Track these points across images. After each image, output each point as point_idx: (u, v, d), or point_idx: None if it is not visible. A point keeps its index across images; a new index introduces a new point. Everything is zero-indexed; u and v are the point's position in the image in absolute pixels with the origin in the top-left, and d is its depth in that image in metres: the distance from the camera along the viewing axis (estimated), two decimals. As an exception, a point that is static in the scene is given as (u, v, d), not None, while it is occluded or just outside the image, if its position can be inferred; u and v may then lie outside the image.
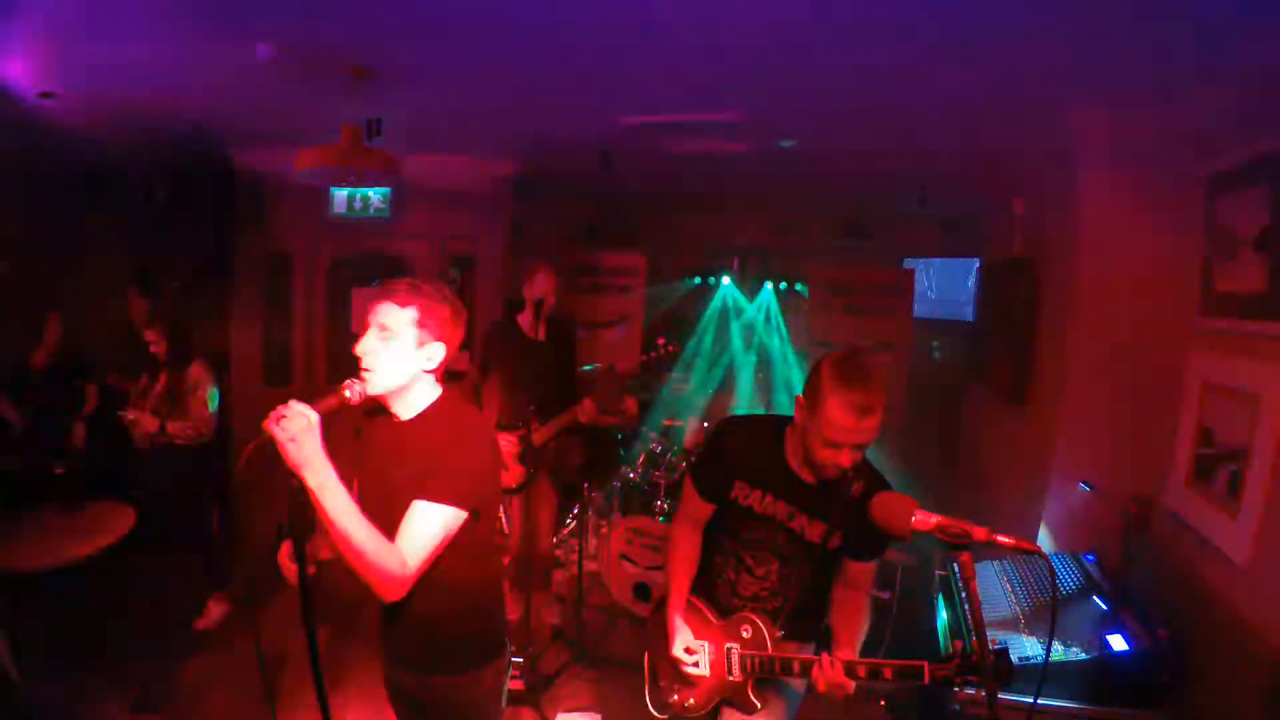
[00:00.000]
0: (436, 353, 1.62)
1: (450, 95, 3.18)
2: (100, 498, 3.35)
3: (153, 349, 3.50)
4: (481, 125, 3.77)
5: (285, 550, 1.56)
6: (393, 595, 1.49)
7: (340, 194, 4.81)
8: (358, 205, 4.84)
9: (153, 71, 2.85)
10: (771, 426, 1.87)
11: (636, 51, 2.53)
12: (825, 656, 1.69)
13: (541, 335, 3.45)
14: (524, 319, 3.47)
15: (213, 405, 3.52)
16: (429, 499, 1.51)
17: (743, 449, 1.91)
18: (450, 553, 1.57)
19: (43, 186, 4.30)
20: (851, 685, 1.64)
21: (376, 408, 1.66)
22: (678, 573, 1.98)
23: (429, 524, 1.51)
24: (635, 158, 4.11)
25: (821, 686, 1.67)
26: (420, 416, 1.64)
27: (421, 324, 1.59)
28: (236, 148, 4.53)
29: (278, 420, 1.36)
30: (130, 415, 3.41)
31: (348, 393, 1.50)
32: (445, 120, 3.68)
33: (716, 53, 2.48)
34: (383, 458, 1.65)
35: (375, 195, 4.81)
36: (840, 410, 1.62)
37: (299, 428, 1.36)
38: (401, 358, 1.58)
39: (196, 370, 3.50)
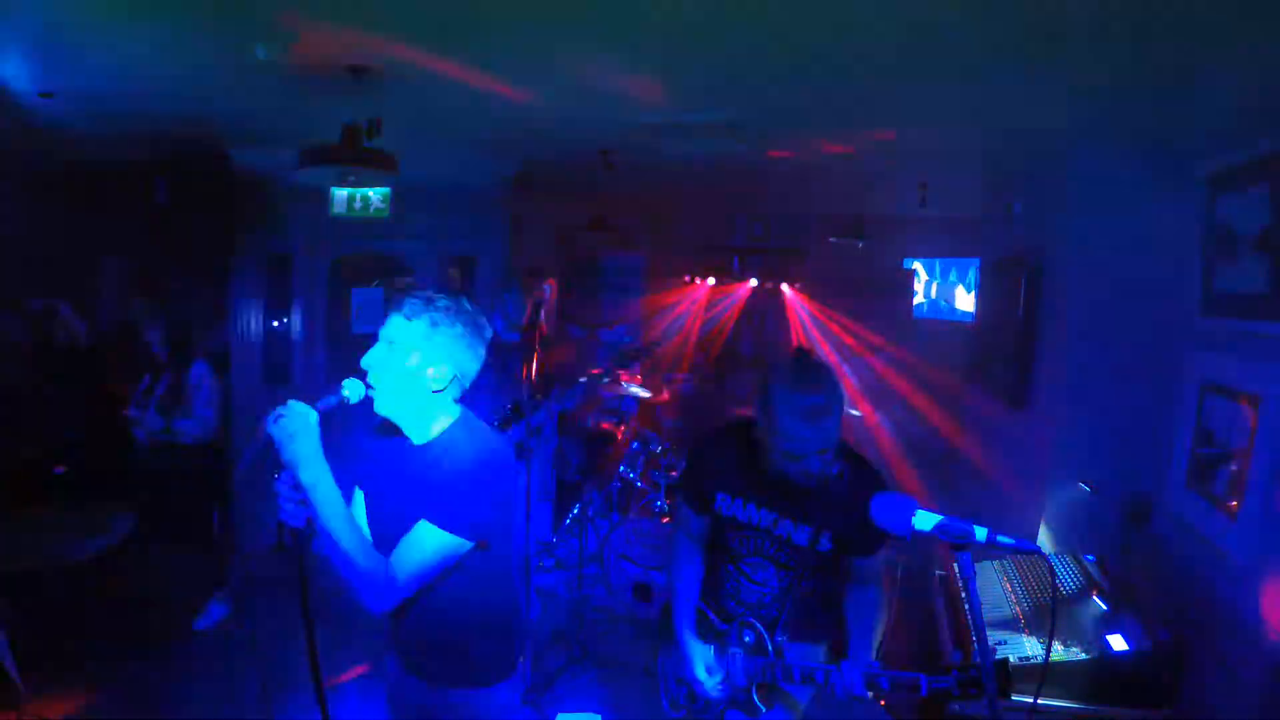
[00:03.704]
0: (443, 374, 1.52)
1: (450, 95, 3.18)
2: (100, 498, 3.36)
3: (155, 349, 3.51)
4: (481, 125, 3.77)
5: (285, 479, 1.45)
6: (377, 605, 1.46)
7: (340, 194, 4.80)
8: (358, 205, 4.83)
9: (153, 71, 2.85)
10: (747, 433, 1.80)
11: (636, 51, 2.53)
12: (845, 665, 1.65)
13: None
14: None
15: (215, 405, 3.52)
16: (434, 523, 1.46)
17: (719, 460, 1.88)
18: (463, 574, 1.54)
19: (43, 187, 4.30)
20: (869, 695, 1.61)
21: (390, 426, 1.59)
22: (682, 593, 1.95)
23: (427, 546, 1.46)
24: (635, 158, 4.11)
25: (841, 692, 1.64)
26: (436, 441, 1.57)
27: (427, 340, 1.51)
28: (236, 148, 4.53)
29: (276, 419, 1.38)
30: (133, 415, 3.42)
31: (346, 392, 1.48)
32: (445, 120, 3.68)
33: (716, 53, 2.48)
34: (395, 480, 1.59)
35: (375, 195, 4.80)
36: (792, 419, 1.56)
37: (296, 426, 1.38)
38: (405, 375, 1.50)
39: (199, 370, 3.51)
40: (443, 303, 1.54)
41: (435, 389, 1.53)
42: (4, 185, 3.93)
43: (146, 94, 3.18)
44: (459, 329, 1.54)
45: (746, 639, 1.87)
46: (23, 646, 2.81)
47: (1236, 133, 2.32)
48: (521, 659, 1.81)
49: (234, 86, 3.04)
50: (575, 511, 4.80)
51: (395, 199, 4.82)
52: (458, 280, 5.06)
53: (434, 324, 1.51)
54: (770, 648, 1.83)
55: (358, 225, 4.90)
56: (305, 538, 1.45)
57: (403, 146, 3.26)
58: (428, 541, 1.46)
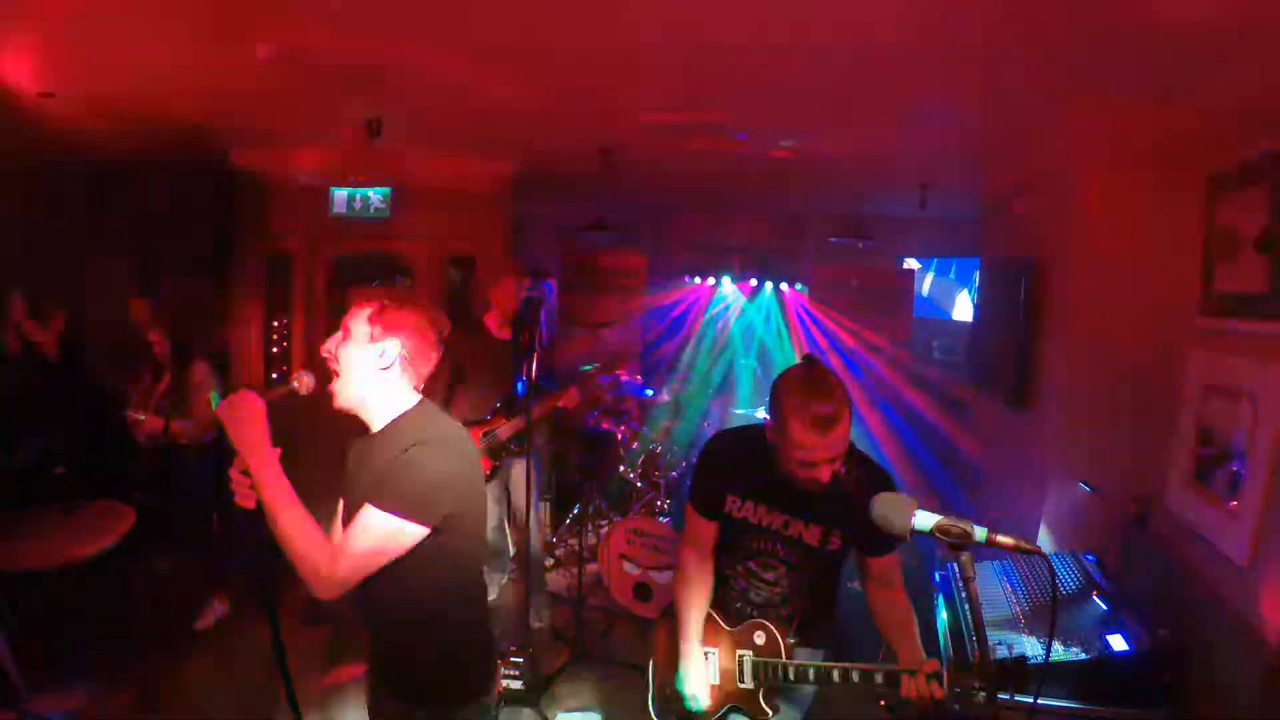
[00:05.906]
0: (390, 349, 1.54)
1: (450, 95, 3.18)
2: (100, 498, 3.35)
3: (155, 349, 3.50)
4: (481, 125, 3.78)
5: (238, 465, 1.49)
6: (322, 592, 1.44)
7: (340, 194, 4.80)
8: (358, 205, 4.83)
9: (153, 71, 2.85)
10: (758, 436, 1.81)
11: (635, 52, 2.53)
12: (921, 675, 1.59)
13: (507, 334, 3.67)
14: (490, 320, 3.67)
15: (215, 405, 3.52)
16: (376, 505, 1.44)
17: (730, 462, 1.89)
18: (423, 571, 1.50)
19: (43, 187, 4.30)
20: (942, 692, 1.56)
21: (359, 424, 1.60)
22: (689, 605, 1.91)
23: (369, 530, 1.44)
24: (635, 158, 4.11)
25: (913, 695, 1.59)
26: (389, 426, 1.57)
27: (373, 320, 1.55)
28: (236, 148, 4.52)
29: (228, 406, 1.47)
30: (134, 415, 3.41)
31: (295, 383, 1.56)
32: (445, 120, 3.68)
33: (715, 54, 2.48)
34: (355, 471, 1.60)
35: (375, 195, 4.80)
36: (803, 430, 1.58)
37: (244, 413, 1.47)
38: (355, 355, 1.54)
39: (198, 370, 3.50)
40: (402, 298, 1.60)
41: (382, 366, 1.55)
42: (4, 186, 3.92)
43: (148, 94, 3.18)
44: (407, 310, 1.58)
45: (757, 639, 1.86)
46: (23, 646, 2.82)
47: (1236, 133, 2.32)
48: (497, 682, 1.74)
49: (234, 86, 3.04)
50: (575, 511, 4.80)
51: (395, 199, 4.83)
52: (457, 280, 5.05)
53: (383, 306, 1.57)
54: (782, 647, 1.82)
55: (358, 225, 4.90)
56: (258, 519, 1.46)
57: (403, 146, 3.27)
58: (369, 524, 1.44)
